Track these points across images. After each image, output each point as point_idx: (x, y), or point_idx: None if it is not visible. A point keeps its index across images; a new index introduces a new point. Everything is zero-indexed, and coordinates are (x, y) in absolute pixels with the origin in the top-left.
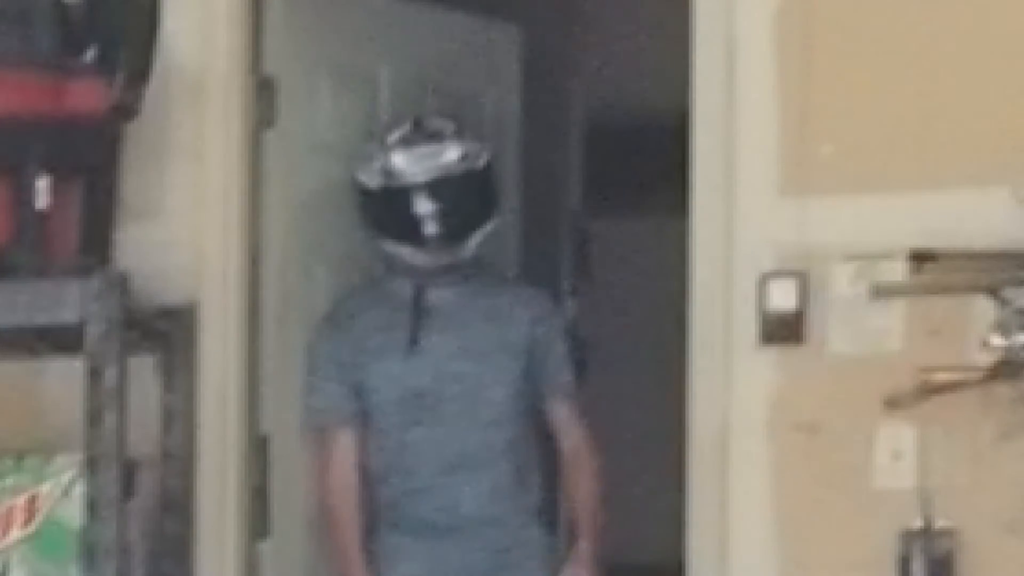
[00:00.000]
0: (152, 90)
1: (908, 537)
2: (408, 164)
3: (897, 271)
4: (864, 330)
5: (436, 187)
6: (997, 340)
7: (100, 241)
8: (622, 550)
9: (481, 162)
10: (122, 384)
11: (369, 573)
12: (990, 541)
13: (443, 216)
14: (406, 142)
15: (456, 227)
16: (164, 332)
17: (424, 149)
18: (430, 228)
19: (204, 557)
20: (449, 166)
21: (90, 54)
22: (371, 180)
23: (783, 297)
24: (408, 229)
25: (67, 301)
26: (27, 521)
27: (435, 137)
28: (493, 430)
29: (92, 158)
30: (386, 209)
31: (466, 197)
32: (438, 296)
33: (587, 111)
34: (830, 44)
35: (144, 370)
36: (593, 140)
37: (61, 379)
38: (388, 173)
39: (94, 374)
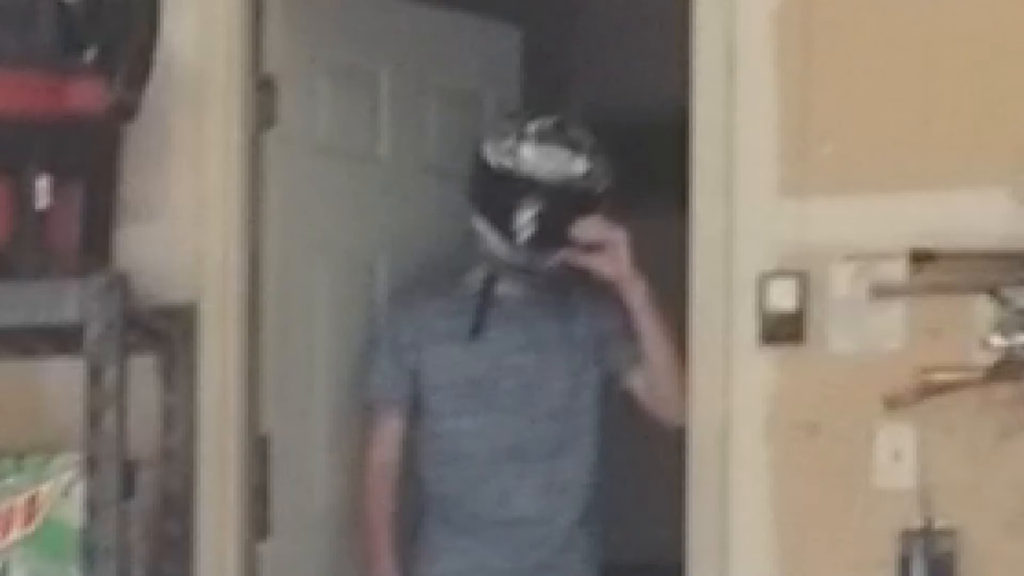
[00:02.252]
0: (152, 90)
1: (908, 537)
2: (537, 159)
3: (897, 271)
4: (864, 330)
5: (551, 192)
6: (997, 340)
7: (100, 241)
8: (622, 550)
9: (600, 187)
10: (122, 384)
11: (399, 563)
12: (990, 541)
13: (543, 222)
14: (543, 137)
15: (550, 237)
16: (164, 332)
17: (557, 151)
18: (526, 228)
19: (204, 557)
20: (572, 178)
21: (90, 54)
22: (495, 157)
23: (783, 297)
24: (506, 218)
25: (67, 301)
26: (27, 521)
27: (572, 145)
28: (549, 424)
29: (92, 158)
30: (496, 190)
31: (572, 213)
32: (506, 289)
33: (587, 111)
34: (830, 44)
35: (144, 370)
36: None
37: (61, 379)
38: (514, 158)
39: (94, 374)
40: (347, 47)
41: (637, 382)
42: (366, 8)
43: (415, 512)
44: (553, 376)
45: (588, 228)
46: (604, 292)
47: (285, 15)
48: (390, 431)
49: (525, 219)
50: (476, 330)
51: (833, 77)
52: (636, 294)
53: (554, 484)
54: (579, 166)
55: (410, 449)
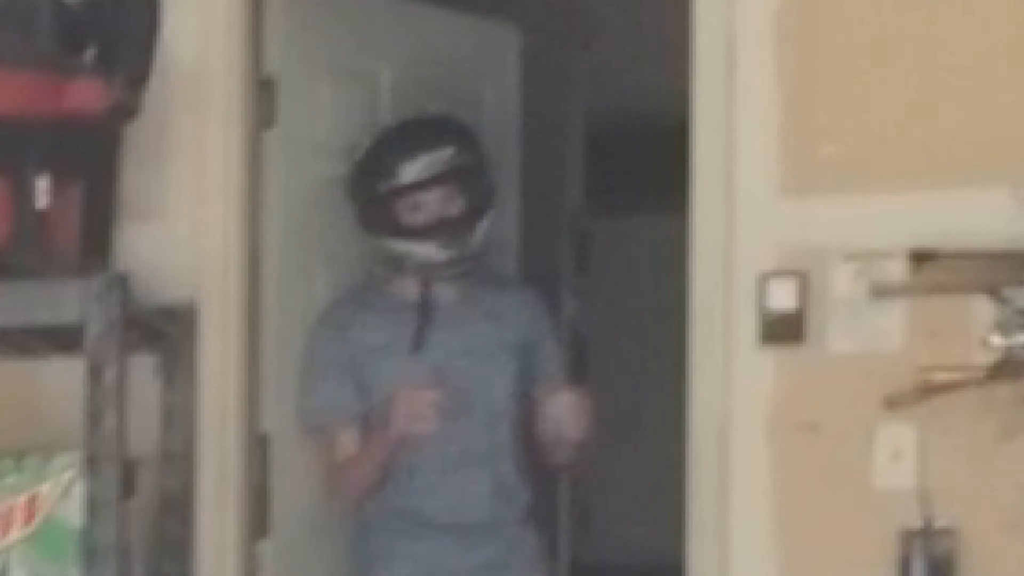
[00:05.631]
0: (152, 90)
1: (908, 537)
2: (414, 168)
3: (897, 271)
4: (864, 330)
5: (443, 181)
6: (997, 340)
7: (100, 241)
8: (622, 550)
9: (473, 157)
10: (122, 384)
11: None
12: (990, 541)
13: (452, 208)
14: (407, 150)
15: (464, 220)
16: (164, 332)
17: (424, 154)
18: (443, 223)
19: (204, 557)
20: (450, 162)
21: (90, 54)
22: (382, 186)
23: (783, 297)
24: (419, 227)
25: (67, 301)
26: (27, 521)
27: (431, 141)
28: (494, 428)
29: (92, 158)
30: (399, 208)
31: (468, 189)
32: (441, 295)
33: (587, 111)
34: (830, 44)
35: (144, 370)
36: (593, 140)
37: (61, 379)
38: (398, 177)
39: (94, 374)
40: (347, 47)
41: (541, 404)
42: (366, 8)
43: (367, 521)
44: (493, 380)
45: (569, 398)
46: (533, 297)
47: (285, 15)
48: (351, 440)
49: (435, 214)
50: (420, 339)
51: (833, 77)
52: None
53: (500, 486)
54: (446, 152)
55: None
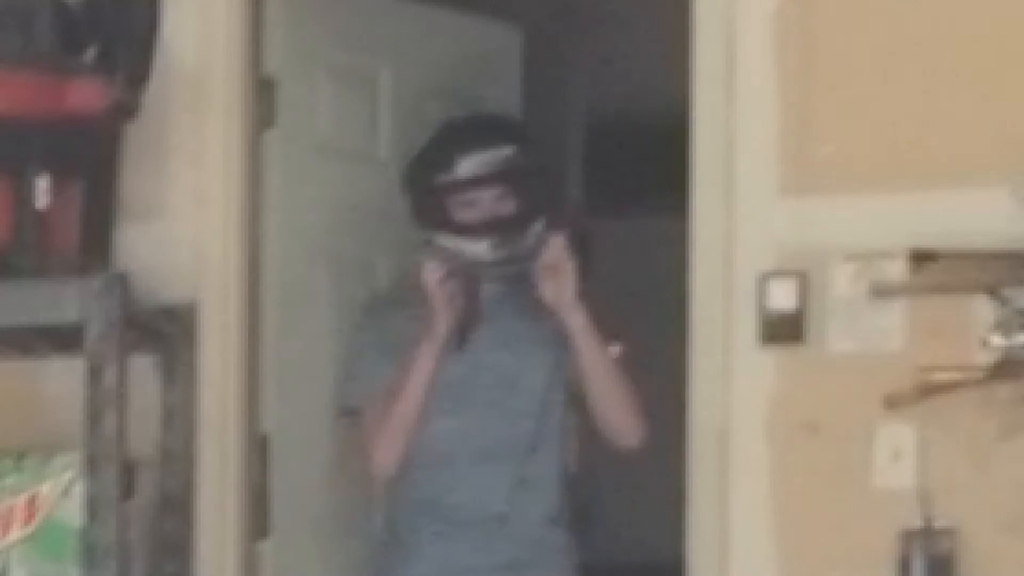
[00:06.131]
0: (152, 90)
1: (908, 537)
2: (471, 163)
3: (897, 271)
4: (864, 330)
5: (498, 180)
6: (997, 340)
7: (100, 241)
8: (622, 550)
9: (533, 162)
10: (122, 384)
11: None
12: (990, 541)
13: (504, 208)
14: (467, 145)
15: (516, 220)
16: (164, 332)
17: (481, 151)
18: (492, 222)
19: (204, 557)
20: (508, 160)
21: (90, 54)
22: (437, 179)
23: (783, 297)
24: (471, 224)
25: (67, 301)
26: (27, 521)
27: (491, 139)
28: (524, 421)
29: (92, 158)
30: (450, 202)
31: (524, 192)
32: (482, 288)
33: (587, 111)
34: (830, 44)
35: (144, 370)
36: (593, 140)
37: (61, 379)
38: (452, 171)
39: (94, 374)
40: (347, 47)
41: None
42: (366, 8)
43: (392, 516)
44: (528, 373)
45: (549, 249)
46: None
47: (285, 15)
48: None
49: (488, 212)
50: (459, 342)
51: (833, 77)
52: (573, 325)
53: (528, 482)
54: (505, 150)
55: None
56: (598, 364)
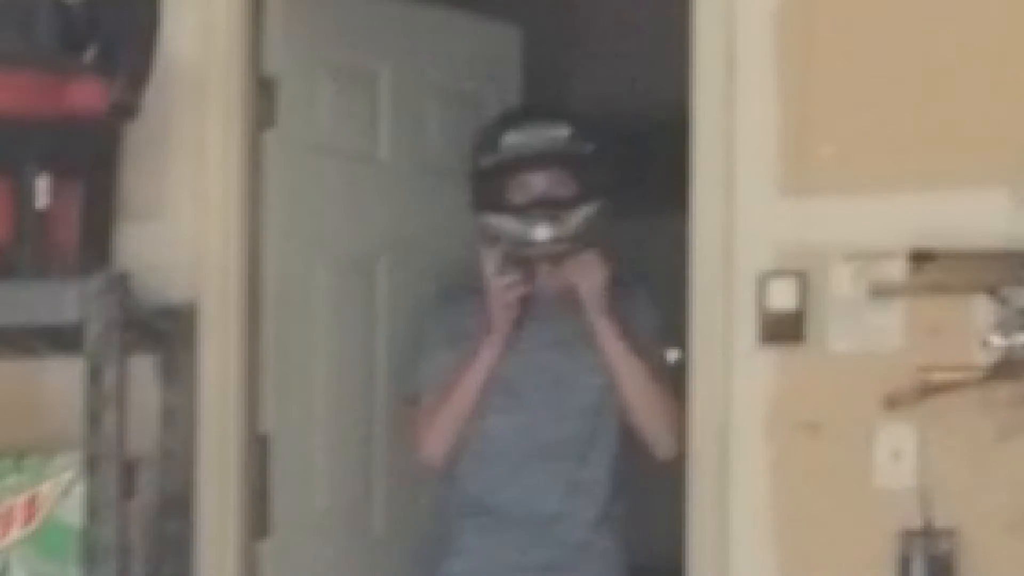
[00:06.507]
0: (152, 90)
1: (908, 537)
2: (518, 139)
3: (897, 271)
4: (864, 330)
5: (542, 160)
6: (997, 340)
7: (100, 241)
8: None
9: (587, 149)
10: (122, 384)
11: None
12: (990, 541)
13: (551, 189)
14: (519, 123)
15: (564, 203)
16: (164, 332)
17: (533, 128)
18: (539, 203)
19: (204, 557)
20: (557, 141)
21: (90, 54)
22: (484, 161)
23: (783, 297)
24: (520, 206)
25: (67, 301)
26: (27, 521)
27: (548, 118)
28: (577, 422)
29: (92, 158)
30: (497, 184)
31: (570, 178)
32: (543, 287)
33: (587, 111)
34: (830, 44)
35: (144, 370)
36: None
37: (61, 379)
38: (498, 150)
39: (94, 374)
40: (347, 47)
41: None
42: (366, 8)
43: (442, 511)
44: (584, 374)
45: (580, 258)
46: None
47: (285, 15)
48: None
49: (539, 193)
50: (519, 326)
51: (833, 77)
52: (601, 332)
53: (578, 483)
54: (561, 131)
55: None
56: (625, 373)
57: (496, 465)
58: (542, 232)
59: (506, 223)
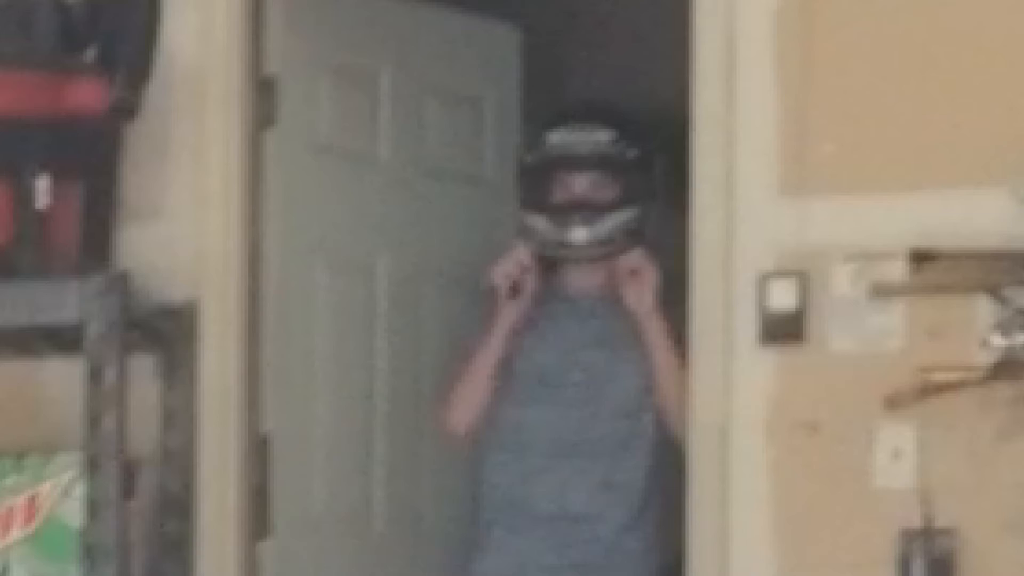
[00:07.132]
0: (152, 90)
1: (908, 537)
2: (562, 139)
3: (897, 271)
4: (864, 330)
5: (585, 162)
6: (997, 340)
7: (100, 241)
8: None
9: (630, 154)
10: (122, 384)
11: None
12: (990, 541)
13: (591, 191)
14: (564, 122)
15: (601, 206)
16: (164, 332)
17: (578, 130)
18: (577, 205)
19: (204, 557)
20: (600, 144)
21: (90, 54)
22: (528, 157)
23: (783, 297)
24: (559, 206)
25: (67, 301)
26: (27, 521)
27: (592, 121)
28: (613, 422)
29: (92, 158)
30: (537, 182)
31: (612, 181)
32: (580, 285)
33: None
34: (830, 44)
35: (144, 370)
36: None
37: (61, 379)
38: (543, 147)
39: (94, 374)
40: (347, 47)
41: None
42: (366, 8)
43: (472, 509)
44: (623, 374)
45: (630, 256)
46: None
47: (285, 15)
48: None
49: (579, 195)
50: (550, 318)
51: (833, 77)
52: (651, 331)
53: (610, 483)
54: (604, 135)
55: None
56: (671, 375)
57: (527, 457)
58: (577, 235)
59: (542, 223)
